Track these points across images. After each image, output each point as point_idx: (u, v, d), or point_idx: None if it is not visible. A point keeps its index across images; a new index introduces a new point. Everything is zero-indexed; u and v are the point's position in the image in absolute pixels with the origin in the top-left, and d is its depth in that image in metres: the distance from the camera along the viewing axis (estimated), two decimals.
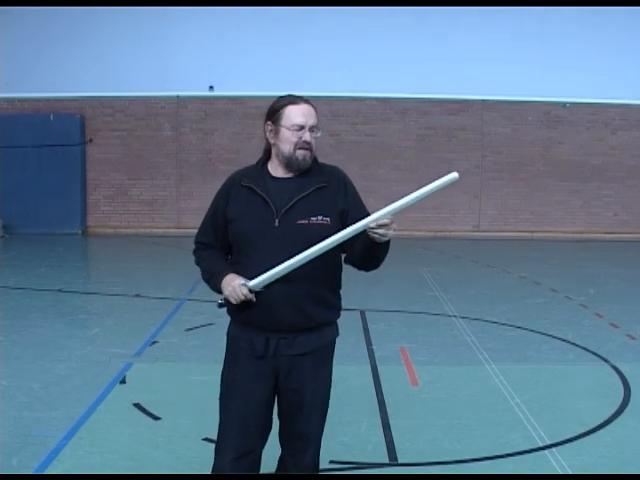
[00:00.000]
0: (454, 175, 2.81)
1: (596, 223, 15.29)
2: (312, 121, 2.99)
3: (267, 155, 3.11)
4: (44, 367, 5.91)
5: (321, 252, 2.88)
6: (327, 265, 2.99)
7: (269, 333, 3.00)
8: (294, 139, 2.97)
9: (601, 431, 4.70)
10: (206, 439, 4.31)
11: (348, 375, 5.78)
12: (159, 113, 15.07)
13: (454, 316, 7.88)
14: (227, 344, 3.16)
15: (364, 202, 3.12)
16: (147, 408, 4.98)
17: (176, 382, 5.59)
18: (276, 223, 2.95)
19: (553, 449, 4.40)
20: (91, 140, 15.00)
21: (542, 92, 14.48)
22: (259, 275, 2.91)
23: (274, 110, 3.02)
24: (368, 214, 2.92)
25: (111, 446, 4.36)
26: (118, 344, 6.61)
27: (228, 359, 3.14)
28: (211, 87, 14.72)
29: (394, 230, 2.83)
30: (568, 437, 4.57)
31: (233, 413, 3.06)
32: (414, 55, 14.43)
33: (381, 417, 4.91)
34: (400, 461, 4.24)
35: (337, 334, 3.17)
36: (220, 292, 3.04)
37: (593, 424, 4.79)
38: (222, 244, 3.13)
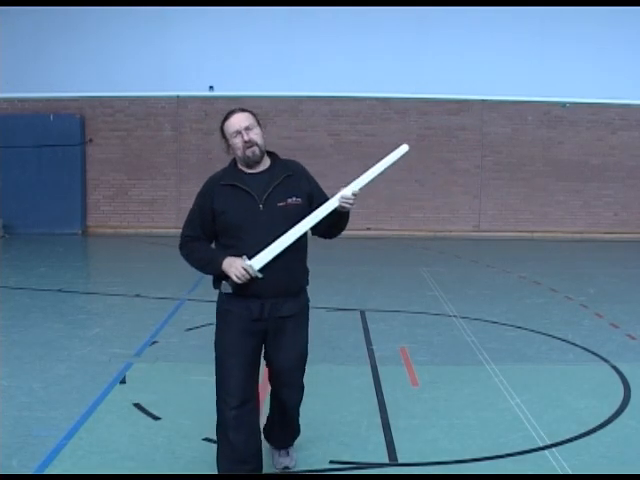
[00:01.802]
0: (405, 147, 3.85)
1: (596, 223, 15.28)
2: (245, 123, 3.59)
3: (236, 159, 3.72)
4: (44, 367, 5.91)
5: (306, 229, 3.56)
6: (301, 238, 3.61)
7: (264, 299, 3.57)
8: (239, 144, 3.58)
9: (601, 431, 4.70)
10: (206, 439, 4.31)
11: (348, 375, 5.79)
12: (159, 113, 15.07)
13: (454, 316, 7.87)
14: (220, 315, 3.68)
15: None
16: (147, 408, 4.99)
17: (176, 382, 5.59)
18: (260, 207, 3.56)
19: (553, 449, 4.40)
20: (91, 140, 15.00)
21: (542, 92, 14.46)
22: (255, 254, 3.47)
23: (220, 131, 3.68)
24: (327, 197, 3.69)
25: (111, 446, 4.36)
26: (118, 344, 6.62)
27: (221, 327, 3.66)
28: (211, 87, 14.71)
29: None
30: (568, 437, 4.57)
31: (233, 367, 3.56)
32: (414, 55, 14.40)
33: (381, 417, 4.91)
34: (400, 461, 4.24)
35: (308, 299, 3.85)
36: (217, 275, 3.56)
37: (593, 424, 4.79)
38: (208, 236, 3.67)
